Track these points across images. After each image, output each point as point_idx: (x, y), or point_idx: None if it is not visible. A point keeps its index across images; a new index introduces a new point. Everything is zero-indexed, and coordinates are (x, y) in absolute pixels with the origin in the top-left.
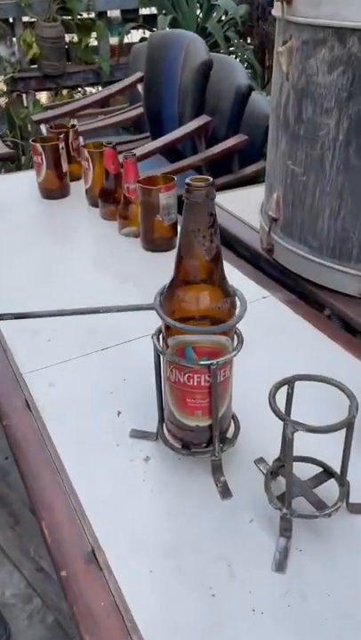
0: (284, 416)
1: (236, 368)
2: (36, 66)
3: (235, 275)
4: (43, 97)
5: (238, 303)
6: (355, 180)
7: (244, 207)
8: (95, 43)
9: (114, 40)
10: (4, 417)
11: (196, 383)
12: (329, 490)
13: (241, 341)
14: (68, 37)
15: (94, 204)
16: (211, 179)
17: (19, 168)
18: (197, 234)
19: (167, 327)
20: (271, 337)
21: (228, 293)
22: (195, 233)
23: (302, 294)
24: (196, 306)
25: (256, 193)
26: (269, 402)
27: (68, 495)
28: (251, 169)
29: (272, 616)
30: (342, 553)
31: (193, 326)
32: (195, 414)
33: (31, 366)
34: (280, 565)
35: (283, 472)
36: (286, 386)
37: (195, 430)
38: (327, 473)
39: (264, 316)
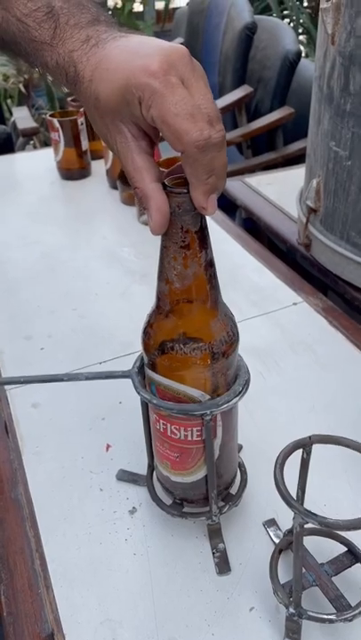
0: (292, 500)
1: (252, 395)
2: None
3: (264, 275)
4: None
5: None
6: None
7: (283, 191)
8: (140, 8)
9: (160, 4)
10: None
11: (162, 429)
12: (354, 578)
13: (246, 384)
14: (111, 2)
15: (115, 187)
16: (186, 191)
17: None
18: (168, 252)
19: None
20: (299, 353)
21: (213, 331)
22: (165, 250)
23: (342, 298)
24: (167, 341)
25: (299, 175)
26: (275, 474)
27: (33, 554)
28: (297, 146)
29: None
30: None
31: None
32: (163, 463)
33: None
34: None
35: (292, 548)
36: (302, 450)
37: (167, 482)
38: (352, 555)
39: (293, 327)
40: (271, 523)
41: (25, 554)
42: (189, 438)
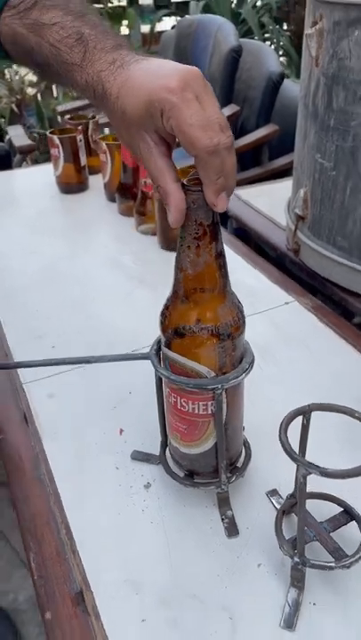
0: (295, 455)
1: (251, 382)
2: None
3: (257, 277)
4: None
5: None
6: None
7: (271, 203)
8: (126, 31)
9: (145, 28)
10: (1, 431)
11: (172, 402)
12: (350, 535)
13: (251, 364)
14: None
15: (112, 199)
16: (200, 189)
17: (45, 160)
18: (183, 242)
19: None
20: (292, 348)
21: (221, 315)
22: (182, 241)
23: (330, 299)
24: (177, 324)
25: (285, 187)
26: (280, 436)
27: (58, 525)
28: (281, 161)
29: None
30: None
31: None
32: (174, 435)
33: (32, 375)
34: (289, 622)
35: (296, 511)
36: (301, 416)
37: (177, 453)
38: (348, 514)
39: (285, 323)
40: (274, 492)
41: (51, 525)
42: (196, 412)
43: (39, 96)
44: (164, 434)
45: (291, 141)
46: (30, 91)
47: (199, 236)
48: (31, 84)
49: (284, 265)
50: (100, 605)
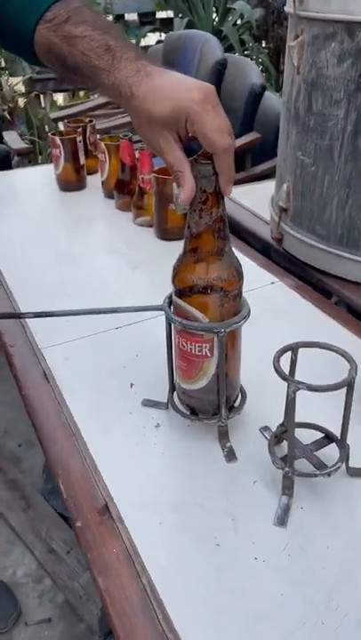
0: (287, 376)
1: (244, 345)
2: None
3: (245, 262)
4: (59, 98)
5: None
6: None
7: (255, 201)
8: None
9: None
10: (24, 387)
11: (177, 342)
12: (330, 453)
13: (248, 314)
14: None
15: (110, 196)
16: (208, 162)
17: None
18: (191, 206)
19: None
20: (279, 318)
21: (219, 270)
22: (190, 205)
23: (310, 282)
24: (182, 276)
25: (268, 187)
26: (274, 365)
27: (83, 456)
28: (263, 166)
29: (273, 564)
30: (341, 512)
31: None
32: (177, 372)
33: (48, 342)
34: (281, 520)
35: (286, 436)
36: (290, 352)
37: (179, 388)
38: (328, 438)
39: (272, 299)
40: (265, 428)
41: (76, 458)
42: (194, 352)
43: (28, 106)
44: (172, 379)
45: (271, 148)
46: (21, 101)
47: (203, 200)
48: (20, 95)
49: (268, 254)
50: (123, 514)
